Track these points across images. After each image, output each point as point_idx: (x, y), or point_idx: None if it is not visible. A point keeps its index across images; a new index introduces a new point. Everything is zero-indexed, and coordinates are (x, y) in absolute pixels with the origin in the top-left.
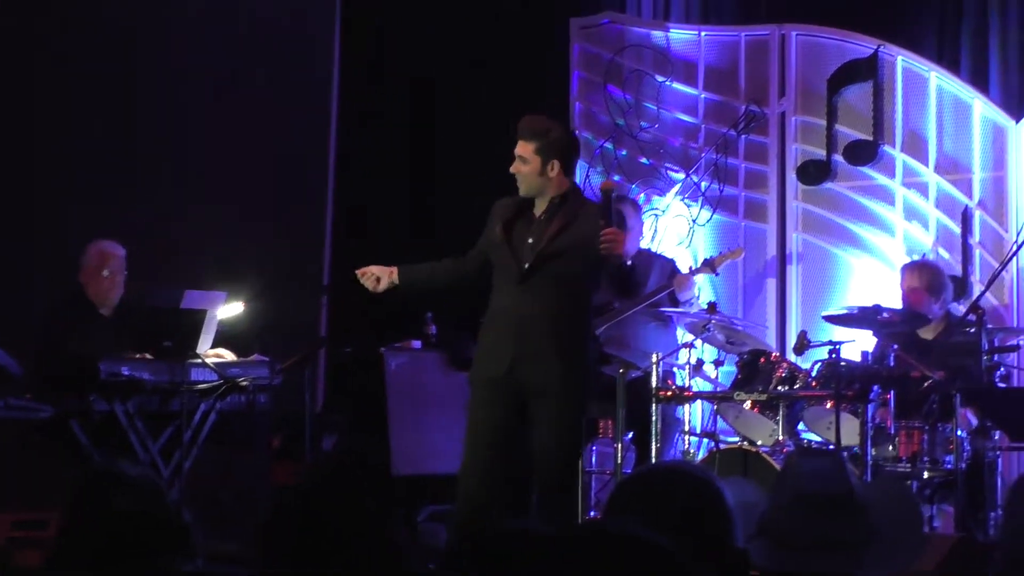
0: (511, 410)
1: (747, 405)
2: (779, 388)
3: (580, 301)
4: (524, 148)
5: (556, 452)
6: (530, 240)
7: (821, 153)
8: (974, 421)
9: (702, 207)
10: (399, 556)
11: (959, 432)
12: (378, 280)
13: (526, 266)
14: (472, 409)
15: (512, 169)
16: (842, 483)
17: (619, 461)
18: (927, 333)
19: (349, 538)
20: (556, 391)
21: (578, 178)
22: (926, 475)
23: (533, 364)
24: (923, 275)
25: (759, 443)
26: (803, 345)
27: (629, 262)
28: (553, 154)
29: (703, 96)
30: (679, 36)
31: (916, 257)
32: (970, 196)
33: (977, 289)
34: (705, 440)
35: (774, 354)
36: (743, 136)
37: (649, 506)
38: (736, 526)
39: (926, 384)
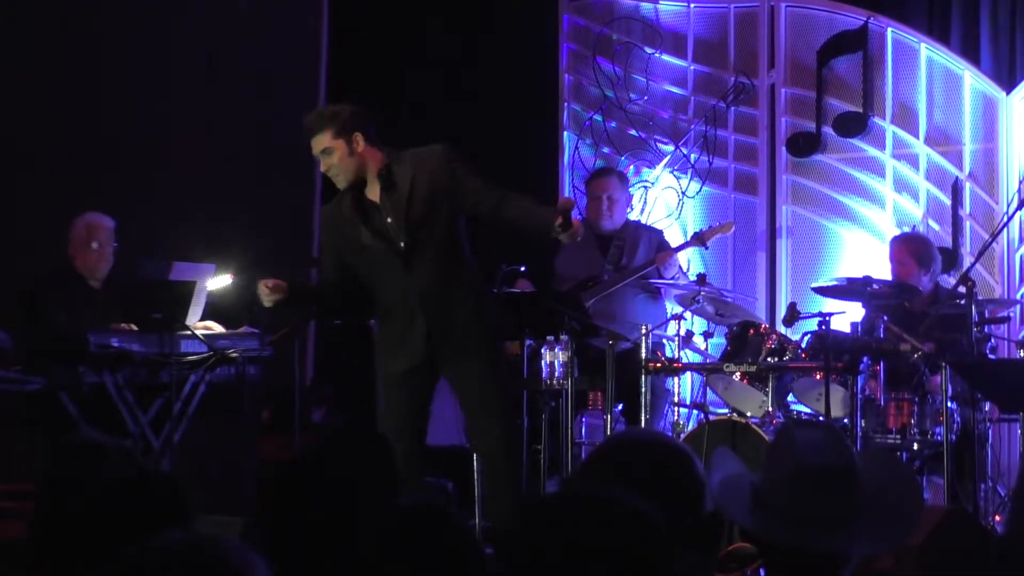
0: (419, 399)
1: (736, 377)
2: (768, 360)
3: (465, 257)
4: (322, 140)
5: (497, 417)
6: (389, 220)
7: (811, 125)
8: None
9: (691, 179)
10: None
11: (949, 404)
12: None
13: (402, 245)
14: (385, 405)
15: (323, 168)
16: (840, 455)
17: (609, 433)
18: (917, 305)
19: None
20: (477, 358)
21: (567, 151)
22: (916, 447)
23: (447, 340)
24: (913, 247)
25: (748, 414)
26: (793, 317)
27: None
28: (350, 129)
29: (692, 68)
30: (668, 8)
31: (906, 229)
32: (960, 168)
33: (967, 261)
34: (694, 412)
35: (764, 326)
36: (733, 108)
37: (620, 473)
38: (706, 492)
39: (916, 356)
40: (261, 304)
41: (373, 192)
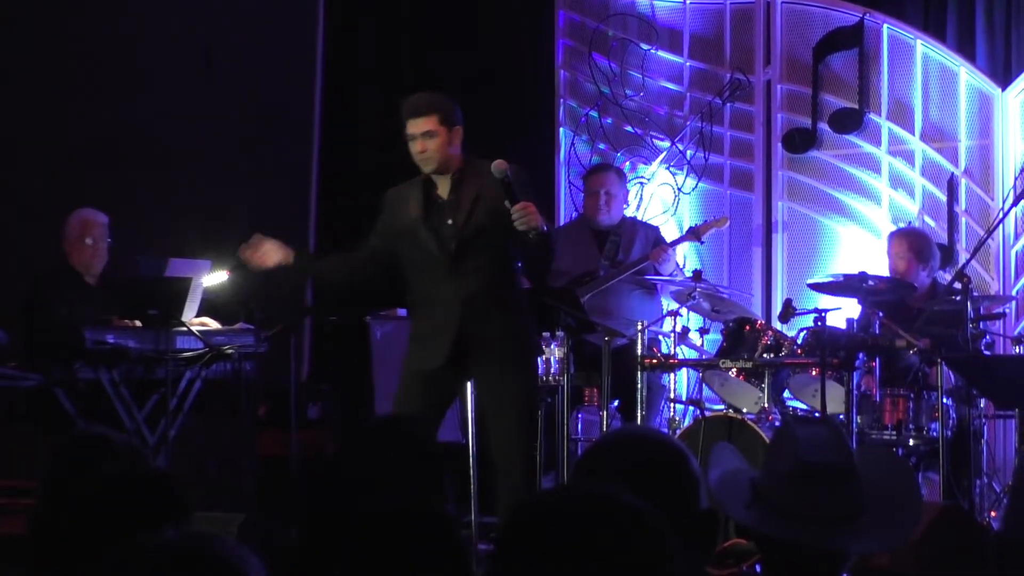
0: (438, 400)
1: (732, 373)
2: (764, 356)
3: (511, 273)
4: (427, 123)
5: (518, 432)
6: (449, 221)
7: (807, 121)
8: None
9: (687, 175)
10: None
11: (944, 400)
12: (265, 256)
13: (453, 248)
14: (399, 396)
15: (418, 148)
16: (840, 452)
17: (605, 429)
18: (915, 300)
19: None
20: (511, 371)
21: (563, 147)
22: (911, 443)
23: (482, 351)
24: (912, 242)
25: (744, 411)
26: (788, 313)
27: (545, 228)
28: (454, 122)
29: (688, 64)
30: (664, 4)
31: (903, 224)
32: (956, 164)
33: (963, 257)
34: (690, 408)
35: (759, 322)
36: (728, 104)
37: (615, 469)
38: (701, 489)
39: (912, 352)
40: (257, 300)
41: (443, 190)
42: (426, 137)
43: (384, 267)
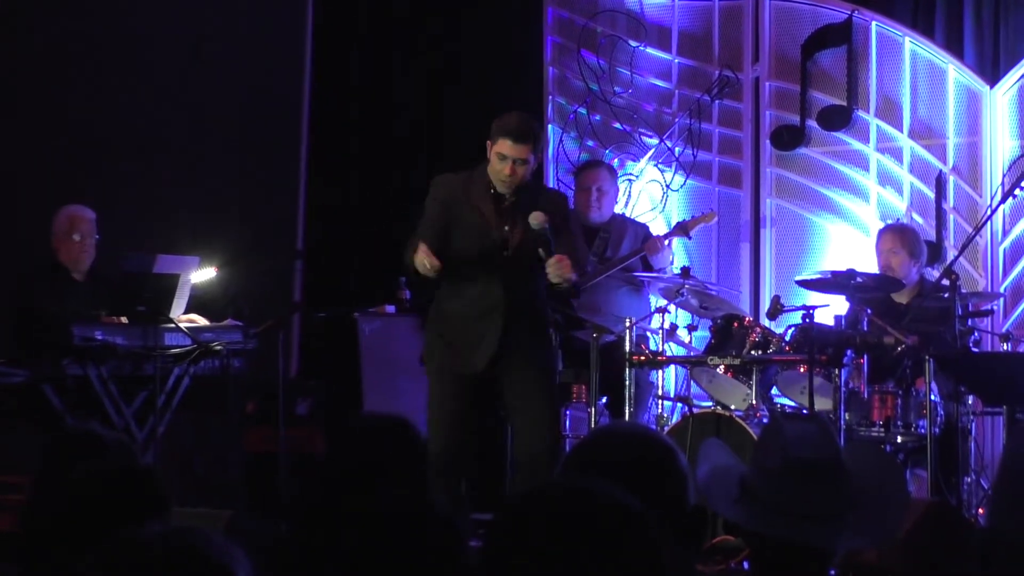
0: (480, 398)
1: (720, 370)
2: (753, 353)
3: (542, 282)
4: (526, 150)
5: (548, 432)
6: (507, 227)
7: (795, 118)
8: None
9: (676, 172)
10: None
11: (933, 397)
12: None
13: (505, 253)
14: (438, 402)
15: (508, 172)
16: (828, 448)
17: (593, 426)
18: (901, 297)
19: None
20: (540, 376)
21: (551, 144)
22: (900, 440)
23: (516, 351)
24: (906, 237)
25: (732, 407)
26: (777, 310)
27: (575, 278)
28: (541, 150)
29: (677, 61)
30: (653, 1)
31: (891, 221)
32: (944, 161)
33: (951, 254)
34: (679, 405)
35: (748, 319)
36: (717, 101)
37: (603, 466)
38: (689, 486)
39: (899, 349)
40: (245, 297)
41: (503, 203)
42: (520, 164)
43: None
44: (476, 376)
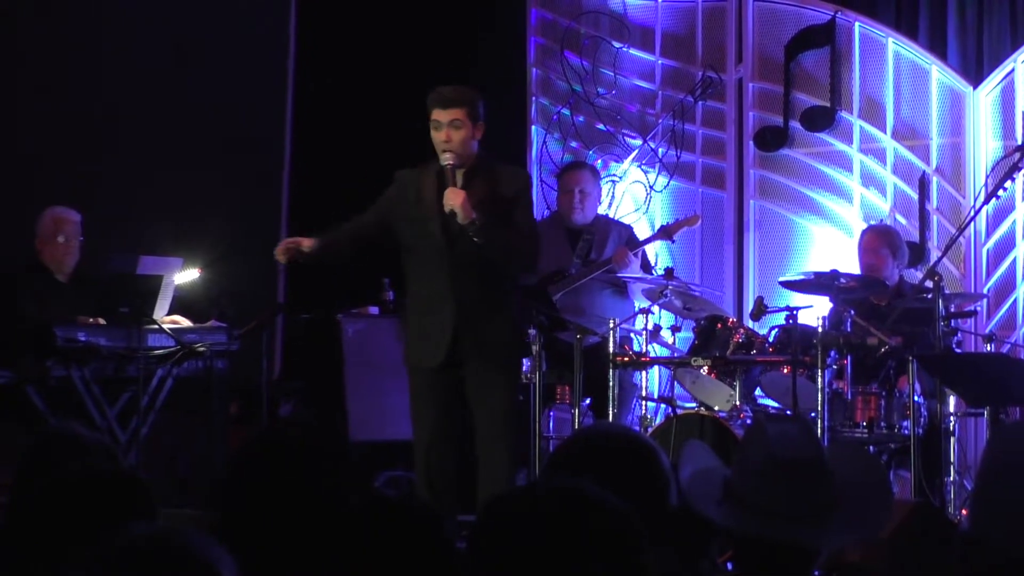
0: (451, 394)
1: (704, 371)
2: (736, 354)
3: (508, 277)
4: (456, 113)
5: (502, 427)
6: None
7: (779, 119)
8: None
9: (659, 173)
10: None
11: (916, 398)
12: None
13: (456, 240)
14: (413, 398)
15: (442, 137)
16: (811, 448)
17: (576, 427)
18: (879, 298)
19: (303, 501)
20: (498, 369)
21: (535, 145)
22: (883, 440)
23: (474, 347)
24: (889, 238)
25: (716, 408)
26: (760, 311)
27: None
28: (479, 117)
29: (660, 62)
30: (636, 2)
31: (875, 222)
32: (928, 162)
33: (934, 255)
34: (662, 406)
35: (731, 320)
36: (700, 102)
37: (587, 466)
38: (672, 486)
39: (883, 350)
40: (228, 298)
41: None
42: (452, 126)
43: (368, 242)
44: (443, 370)
